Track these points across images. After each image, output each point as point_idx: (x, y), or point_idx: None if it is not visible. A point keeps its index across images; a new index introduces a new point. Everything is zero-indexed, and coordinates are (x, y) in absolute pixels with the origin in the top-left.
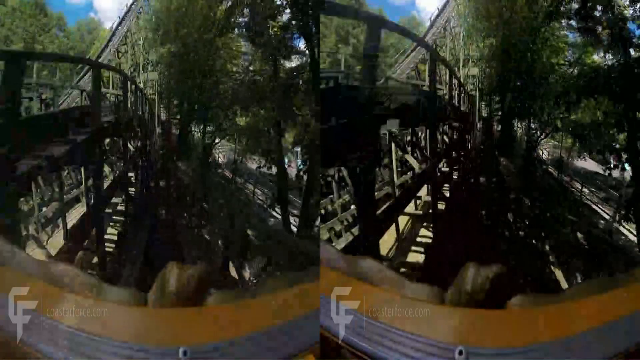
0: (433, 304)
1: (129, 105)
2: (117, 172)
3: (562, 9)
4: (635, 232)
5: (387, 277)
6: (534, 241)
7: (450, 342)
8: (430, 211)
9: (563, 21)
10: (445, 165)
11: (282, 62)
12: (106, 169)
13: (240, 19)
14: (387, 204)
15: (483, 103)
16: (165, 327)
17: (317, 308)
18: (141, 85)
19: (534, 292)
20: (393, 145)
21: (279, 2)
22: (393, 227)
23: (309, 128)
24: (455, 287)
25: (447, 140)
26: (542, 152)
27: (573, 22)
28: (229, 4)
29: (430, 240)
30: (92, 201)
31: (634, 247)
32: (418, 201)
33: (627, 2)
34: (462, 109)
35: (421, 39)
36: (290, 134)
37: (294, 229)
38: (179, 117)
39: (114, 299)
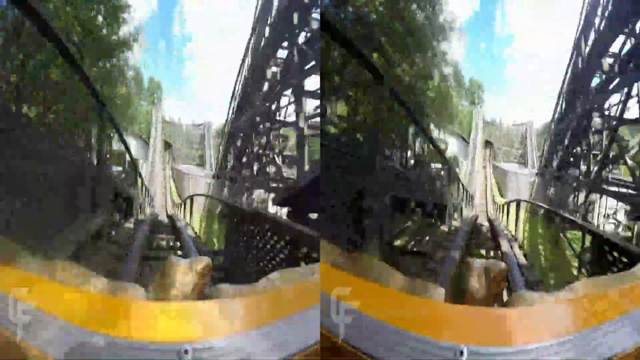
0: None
1: None
2: None
3: None
4: None
5: (387, 274)
6: None
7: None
8: None
9: None
10: None
11: None
12: None
13: None
14: None
15: None
16: (168, 322)
17: (317, 304)
18: None
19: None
20: None
21: None
22: None
23: None
24: (455, 284)
25: None
26: None
27: None
28: None
29: None
30: None
31: None
32: None
33: None
34: None
35: None
36: None
37: None
38: None
39: (116, 293)
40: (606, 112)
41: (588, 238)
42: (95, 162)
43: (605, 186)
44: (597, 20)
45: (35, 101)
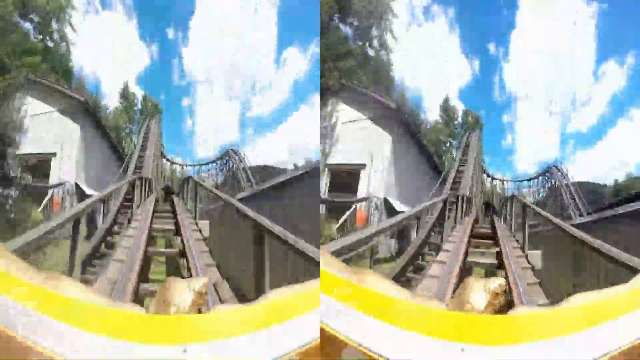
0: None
1: None
2: None
3: None
4: None
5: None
6: None
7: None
8: None
9: None
10: None
11: None
12: None
13: None
14: None
15: None
16: (168, 329)
17: (317, 307)
18: None
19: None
20: None
21: None
22: None
23: None
24: (456, 299)
25: None
26: None
27: None
28: None
29: None
30: None
31: None
32: None
33: None
34: None
35: None
36: None
37: None
38: None
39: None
40: None
41: None
42: None
43: None
44: None
45: None
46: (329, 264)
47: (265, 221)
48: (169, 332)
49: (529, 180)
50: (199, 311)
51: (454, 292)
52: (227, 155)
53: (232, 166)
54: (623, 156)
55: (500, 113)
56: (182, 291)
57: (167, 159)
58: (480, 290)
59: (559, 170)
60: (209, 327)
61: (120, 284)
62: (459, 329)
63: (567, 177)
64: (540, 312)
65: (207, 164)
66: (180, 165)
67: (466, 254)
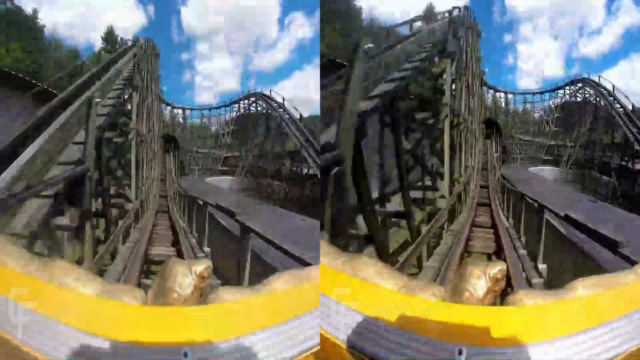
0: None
1: None
2: None
3: None
4: None
5: (386, 274)
6: None
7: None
8: None
9: None
10: None
11: None
12: None
13: None
14: None
15: None
16: (167, 326)
17: (317, 307)
18: None
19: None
20: None
21: None
22: None
23: None
24: (454, 286)
25: None
26: None
27: None
28: None
29: None
30: None
31: None
32: None
33: None
34: None
35: None
36: None
37: None
38: None
39: (114, 296)
40: None
41: None
42: None
43: None
44: None
45: None
46: (326, 253)
47: None
48: (168, 328)
49: (542, 92)
50: (201, 296)
51: None
52: (251, 98)
53: (258, 111)
54: (632, 87)
55: (501, 34)
56: (184, 275)
57: (167, 104)
58: (479, 277)
59: (597, 84)
60: (210, 322)
61: None
62: (457, 327)
63: (616, 94)
64: (544, 305)
65: (218, 107)
66: (182, 109)
67: None
